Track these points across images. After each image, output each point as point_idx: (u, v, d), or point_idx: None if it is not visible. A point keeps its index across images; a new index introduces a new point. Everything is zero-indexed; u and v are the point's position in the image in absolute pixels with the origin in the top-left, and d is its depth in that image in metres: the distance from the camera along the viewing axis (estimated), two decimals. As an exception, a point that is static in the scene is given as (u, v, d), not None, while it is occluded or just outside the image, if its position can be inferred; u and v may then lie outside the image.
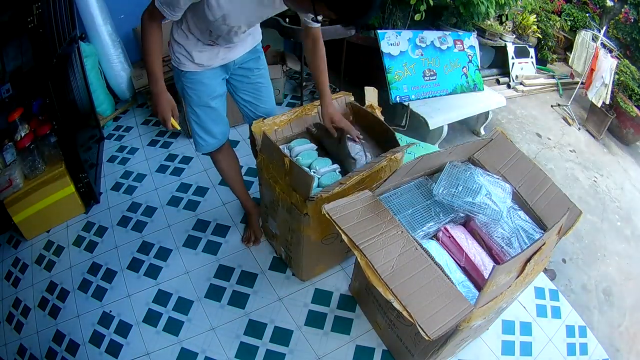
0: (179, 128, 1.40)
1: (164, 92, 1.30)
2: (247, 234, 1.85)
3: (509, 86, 3.78)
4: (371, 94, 1.79)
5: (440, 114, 2.43)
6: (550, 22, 4.52)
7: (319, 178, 1.47)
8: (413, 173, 1.39)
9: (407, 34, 2.45)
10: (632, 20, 4.80)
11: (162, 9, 1.12)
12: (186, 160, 2.34)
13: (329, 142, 1.60)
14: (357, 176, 1.34)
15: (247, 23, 1.26)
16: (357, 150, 1.49)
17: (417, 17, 2.56)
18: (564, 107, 3.80)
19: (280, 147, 1.49)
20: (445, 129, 2.50)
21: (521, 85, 3.81)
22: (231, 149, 1.68)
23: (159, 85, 1.28)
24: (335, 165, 1.53)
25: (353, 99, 1.71)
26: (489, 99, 2.72)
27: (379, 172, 1.42)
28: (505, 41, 3.64)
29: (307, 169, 1.44)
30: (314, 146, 1.62)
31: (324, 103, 1.50)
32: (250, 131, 1.56)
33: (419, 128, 2.46)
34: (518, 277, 1.08)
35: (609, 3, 5.12)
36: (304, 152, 1.57)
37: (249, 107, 1.60)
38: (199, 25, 1.25)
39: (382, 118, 1.62)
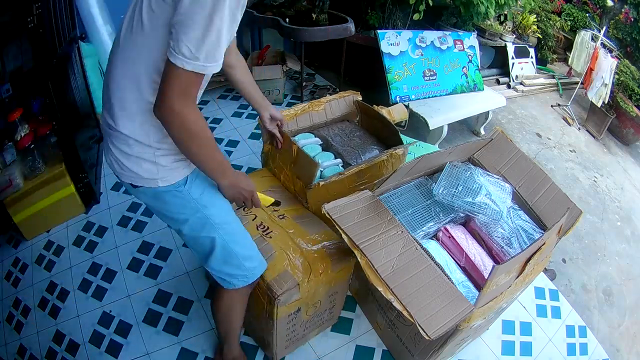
0: (273, 200, 1.09)
1: (236, 170, 0.95)
2: None
3: (509, 86, 3.78)
4: (399, 110, 1.79)
5: (440, 114, 2.43)
6: (550, 22, 4.52)
7: (321, 171, 1.48)
8: (413, 173, 1.39)
9: (407, 34, 2.45)
10: (632, 20, 4.80)
11: (205, 65, 0.72)
12: (186, 160, 2.34)
13: (338, 140, 1.62)
14: (356, 167, 1.35)
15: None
16: None
17: (415, 16, 2.57)
18: (564, 107, 3.80)
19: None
20: (445, 129, 2.50)
21: (521, 85, 3.81)
22: None
23: (230, 170, 0.92)
24: (338, 160, 1.54)
25: (361, 98, 1.74)
26: (489, 99, 2.72)
27: (379, 167, 1.42)
28: (505, 41, 3.64)
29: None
30: (318, 140, 1.63)
31: (261, 104, 1.28)
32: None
33: (419, 128, 2.46)
34: (518, 277, 1.08)
35: (609, 3, 5.12)
36: (307, 145, 1.59)
37: None
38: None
39: (388, 117, 1.63)
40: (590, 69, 3.63)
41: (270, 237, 1.24)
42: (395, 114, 1.75)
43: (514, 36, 3.86)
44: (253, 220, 1.31)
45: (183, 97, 0.74)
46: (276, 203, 1.10)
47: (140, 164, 0.87)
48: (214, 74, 0.79)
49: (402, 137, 1.58)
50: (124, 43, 0.81)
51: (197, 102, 0.80)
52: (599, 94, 3.56)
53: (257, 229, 1.27)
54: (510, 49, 3.68)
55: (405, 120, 2.52)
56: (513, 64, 3.73)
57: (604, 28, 4.21)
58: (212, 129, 2.58)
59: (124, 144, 0.86)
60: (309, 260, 1.19)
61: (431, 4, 2.52)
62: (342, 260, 1.22)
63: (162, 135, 0.84)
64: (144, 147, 0.85)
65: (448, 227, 1.33)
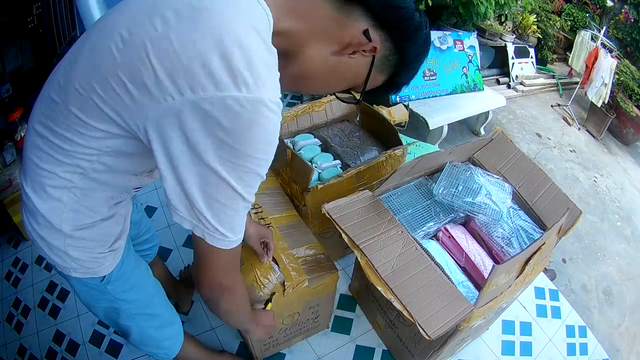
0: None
1: (255, 310, 0.96)
2: None
3: (509, 86, 3.78)
4: (399, 110, 1.79)
5: (440, 114, 2.43)
6: (550, 22, 4.52)
7: (319, 172, 1.48)
8: (413, 173, 1.39)
9: (407, 34, 2.45)
10: (632, 20, 4.80)
11: (235, 239, 0.59)
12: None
13: (337, 141, 1.62)
14: (355, 169, 1.35)
15: None
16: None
17: (415, 16, 2.57)
18: (564, 107, 3.80)
19: (285, 140, 1.51)
20: (445, 129, 2.50)
21: (521, 85, 3.81)
22: None
23: (255, 314, 0.92)
24: (337, 161, 1.54)
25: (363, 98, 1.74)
26: (489, 99, 2.72)
27: (378, 168, 1.42)
28: (505, 41, 3.64)
29: (309, 163, 1.46)
30: (317, 141, 1.63)
31: (250, 235, 1.08)
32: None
33: (419, 128, 2.46)
34: (518, 277, 1.08)
35: (609, 3, 5.13)
36: (306, 146, 1.59)
37: (147, 251, 1.24)
38: (125, 178, 0.68)
39: (388, 118, 1.63)
40: (588, 67, 3.63)
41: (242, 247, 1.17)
42: (395, 114, 1.75)
43: (514, 36, 3.86)
44: None
45: (229, 275, 0.66)
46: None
47: (50, 247, 0.69)
48: None
49: (402, 137, 1.58)
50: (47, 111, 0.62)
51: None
52: (599, 94, 3.56)
53: None
54: (510, 49, 3.68)
55: (406, 121, 2.52)
56: (513, 64, 3.73)
57: (604, 28, 4.21)
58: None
59: (33, 219, 0.67)
60: (284, 275, 1.13)
61: (431, 4, 2.52)
62: (322, 277, 1.16)
63: (78, 223, 0.67)
64: (54, 231, 0.67)
65: (448, 227, 1.33)
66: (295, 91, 0.74)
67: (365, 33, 0.60)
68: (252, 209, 1.30)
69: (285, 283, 1.11)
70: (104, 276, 0.78)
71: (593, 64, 3.58)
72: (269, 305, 1.06)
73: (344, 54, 0.61)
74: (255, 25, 0.50)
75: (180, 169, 0.51)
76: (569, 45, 4.58)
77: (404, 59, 0.66)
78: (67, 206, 0.64)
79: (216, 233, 0.56)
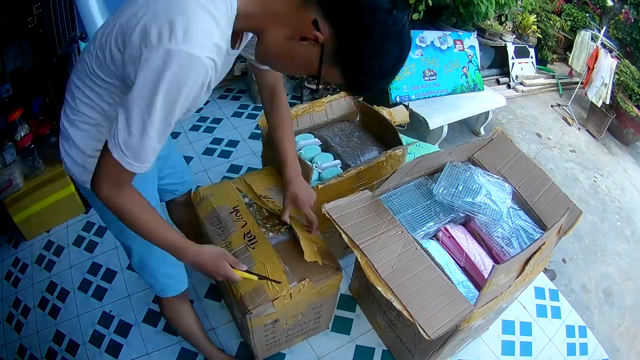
0: (255, 277, 1.00)
1: (200, 249, 0.90)
2: None
3: (509, 86, 3.78)
4: (400, 112, 1.78)
5: (440, 114, 2.43)
6: (550, 22, 4.52)
7: (320, 172, 1.47)
8: (413, 173, 1.39)
9: (407, 34, 2.44)
10: (632, 20, 4.80)
11: (131, 163, 0.69)
12: (186, 160, 2.34)
13: (337, 141, 1.62)
14: (355, 169, 1.35)
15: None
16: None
17: (415, 16, 2.56)
18: (564, 107, 3.80)
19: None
20: (445, 129, 2.49)
21: (521, 85, 3.81)
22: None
23: (189, 250, 0.88)
24: (337, 161, 1.54)
25: (362, 98, 1.73)
26: (489, 99, 2.72)
27: (378, 168, 1.42)
28: (505, 41, 3.64)
29: (309, 162, 1.45)
30: (317, 141, 1.63)
31: (291, 179, 1.11)
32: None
33: (419, 128, 2.46)
34: (518, 277, 1.08)
35: (609, 3, 5.12)
36: (307, 146, 1.59)
37: (170, 186, 1.28)
38: None
39: (389, 118, 1.63)
40: (589, 68, 3.63)
41: (254, 248, 1.16)
42: (396, 115, 1.75)
43: (514, 36, 3.86)
44: (242, 227, 1.23)
45: (110, 185, 0.73)
46: (261, 277, 1.02)
47: (74, 162, 0.88)
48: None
49: (402, 137, 1.58)
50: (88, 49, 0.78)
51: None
52: (599, 94, 3.56)
53: (244, 238, 1.19)
54: (510, 49, 3.68)
55: (406, 122, 2.53)
56: (513, 64, 3.73)
57: (604, 28, 4.21)
58: (212, 129, 2.58)
59: (65, 142, 0.87)
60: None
61: (431, 4, 2.52)
62: (327, 278, 1.17)
63: (97, 148, 0.80)
64: (80, 152, 0.85)
65: (448, 227, 1.33)
66: (269, 66, 0.85)
67: (315, 23, 0.66)
68: (265, 198, 1.31)
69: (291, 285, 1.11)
70: None
71: (594, 64, 3.58)
72: (252, 277, 0.99)
73: (295, 39, 0.69)
74: (204, 5, 0.63)
75: (128, 95, 0.65)
76: (569, 45, 4.58)
77: (357, 59, 0.68)
78: (91, 136, 0.83)
79: (113, 138, 0.68)
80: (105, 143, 0.70)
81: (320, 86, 0.75)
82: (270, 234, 1.23)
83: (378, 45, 0.67)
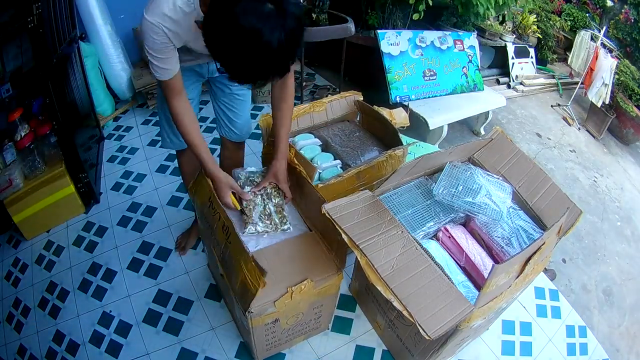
0: (239, 208, 1.26)
1: (217, 173, 1.22)
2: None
3: (509, 86, 3.78)
4: (400, 114, 1.78)
5: (440, 114, 2.43)
6: (550, 22, 4.52)
7: (320, 172, 1.47)
8: (413, 173, 1.39)
9: (407, 34, 2.44)
10: (632, 20, 4.80)
11: (158, 75, 1.11)
12: (186, 160, 2.34)
13: (337, 141, 1.62)
14: (355, 169, 1.35)
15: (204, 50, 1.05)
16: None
17: (415, 16, 2.57)
18: (564, 107, 3.80)
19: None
20: (445, 129, 2.50)
21: (521, 85, 3.81)
22: None
23: (208, 167, 1.23)
24: (337, 161, 1.54)
25: (362, 98, 1.73)
26: (489, 99, 2.72)
27: (378, 168, 1.42)
28: (505, 41, 3.64)
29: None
30: (317, 141, 1.63)
31: (277, 158, 1.30)
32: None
33: (419, 128, 2.46)
34: (518, 277, 1.08)
35: (609, 3, 5.13)
36: (307, 146, 1.59)
37: (222, 118, 1.53)
38: None
39: (389, 119, 1.63)
40: (591, 69, 3.63)
41: (230, 243, 1.14)
42: (396, 117, 1.75)
43: (514, 36, 3.86)
44: (218, 220, 1.22)
45: (166, 93, 1.15)
46: (242, 212, 1.26)
47: None
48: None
49: (402, 137, 1.58)
50: None
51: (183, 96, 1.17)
52: (599, 94, 3.56)
53: (223, 232, 1.18)
54: (510, 49, 3.68)
55: (406, 125, 2.53)
56: (513, 64, 3.73)
57: (604, 28, 4.21)
58: (212, 129, 2.59)
59: None
60: None
61: (431, 4, 2.52)
62: (328, 278, 1.17)
63: None
64: None
65: (448, 227, 1.33)
66: None
67: None
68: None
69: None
70: None
71: (595, 66, 3.58)
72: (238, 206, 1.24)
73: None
74: None
75: None
76: (569, 45, 4.58)
77: (212, 36, 0.89)
78: None
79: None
80: None
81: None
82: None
83: (220, 24, 0.85)
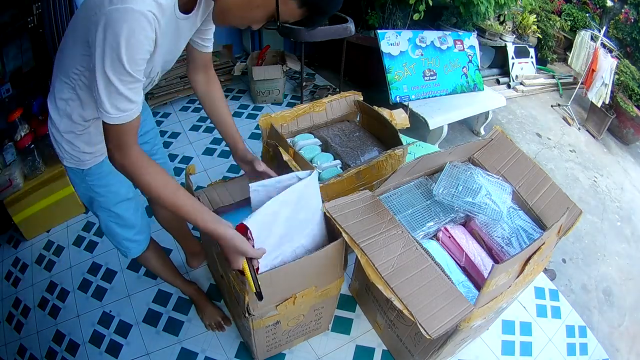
0: (253, 289, 0.93)
1: (222, 230, 0.87)
2: (209, 321, 1.53)
3: (509, 86, 3.78)
4: (400, 115, 1.78)
5: (440, 114, 2.43)
6: (550, 22, 4.52)
7: (320, 173, 1.47)
8: (413, 173, 1.39)
9: (407, 34, 2.45)
10: (632, 20, 4.81)
11: (119, 116, 0.76)
12: (186, 160, 2.34)
13: (337, 141, 1.62)
14: (355, 169, 1.35)
15: (164, 67, 0.94)
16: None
17: (415, 16, 2.57)
18: (564, 107, 3.80)
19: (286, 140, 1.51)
20: (445, 129, 2.50)
21: (521, 85, 3.81)
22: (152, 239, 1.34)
23: (208, 226, 0.87)
24: (337, 161, 1.54)
25: (362, 98, 1.73)
26: (489, 99, 2.72)
27: (378, 168, 1.42)
28: (505, 41, 3.65)
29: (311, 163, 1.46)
30: (317, 141, 1.63)
31: (240, 149, 1.17)
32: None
33: (419, 128, 2.46)
34: (518, 277, 1.08)
35: (609, 3, 5.13)
36: (307, 146, 1.59)
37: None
38: None
39: (389, 119, 1.63)
40: (592, 70, 3.63)
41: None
42: (397, 117, 1.75)
43: (514, 36, 3.86)
44: None
45: (119, 149, 0.80)
46: (258, 295, 0.94)
47: (55, 140, 1.01)
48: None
49: (402, 137, 1.58)
50: (61, 44, 0.91)
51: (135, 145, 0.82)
52: (599, 94, 3.56)
53: None
54: (510, 49, 3.68)
55: (406, 126, 2.53)
56: (513, 64, 3.73)
57: (604, 28, 4.21)
58: (212, 129, 2.58)
59: (49, 120, 1.00)
60: None
61: (431, 4, 2.52)
62: (330, 280, 1.17)
63: (68, 128, 0.97)
64: (57, 130, 0.99)
65: (448, 227, 1.33)
66: (228, 25, 0.85)
67: None
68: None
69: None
70: (83, 169, 1.03)
71: (596, 67, 3.58)
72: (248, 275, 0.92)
73: None
74: None
75: (94, 62, 0.72)
76: (569, 45, 4.58)
77: None
78: (65, 114, 0.95)
79: (100, 110, 0.76)
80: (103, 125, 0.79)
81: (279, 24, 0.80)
82: None
83: None
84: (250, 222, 0.92)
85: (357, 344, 1.50)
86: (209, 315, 1.53)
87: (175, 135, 2.52)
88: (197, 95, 1.16)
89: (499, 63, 3.80)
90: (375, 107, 1.67)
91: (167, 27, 0.78)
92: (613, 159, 3.46)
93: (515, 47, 3.73)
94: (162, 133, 2.53)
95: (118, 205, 1.12)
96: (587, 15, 4.98)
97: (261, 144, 1.62)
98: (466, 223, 1.40)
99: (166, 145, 2.45)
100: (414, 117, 2.45)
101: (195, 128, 2.59)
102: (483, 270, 1.22)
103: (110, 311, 1.60)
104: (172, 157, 2.35)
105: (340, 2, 0.81)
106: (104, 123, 0.78)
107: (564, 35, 4.75)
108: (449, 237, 1.31)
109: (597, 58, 3.59)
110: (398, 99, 2.41)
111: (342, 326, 1.55)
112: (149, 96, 2.65)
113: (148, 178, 0.82)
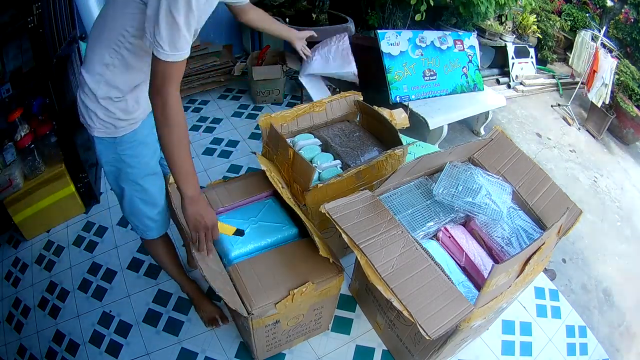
0: (234, 228, 1.12)
1: (204, 198, 1.03)
2: (207, 317, 1.54)
3: (509, 86, 3.78)
4: (400, 115, 1.78)
5: (440, 114, 2.43)
6: (550, 22, 4.52)
7: (320, 173, 1.47)
8: (413, 173, 1.39)
9: (407, 34, 2.45)
10: (632, 20, 4.80)
11: (174, 54, 0.83)
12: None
13: (337, 141, 1.62)
14: (355, 169, 1.35)
15: (200, 24, 0.95)
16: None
17: (417, 17, 2.57)
18: (564, 107, 3.80)
19: (286, 140, 1.51)
20: (445, 129, 2.50)
21: (521, 85, 3.81)
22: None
23: (198, 188, 0.99)
24: (337, 161, 1.54)
25: (362, 98, 1.74)
26: (489, 99, 2.72)
27: (378, 168, 1.42)
28: (505, 41, 3.65)
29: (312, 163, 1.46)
30: (317, 141, 1.63)
31: (288, 30, 1.58)
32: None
33: (419, 128, 2.46)
34: (518, 277, 1.08)
35: (609, 3, 5.12)
36: (307, 146, 1.59)
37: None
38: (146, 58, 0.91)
39: (389, 119, 1.63)
40: (594, 71, 3.62)
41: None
42: (396, 117, 1.75)
43: (514, 36, 3.87)
44: None
45: (166, 84, 0.86)
46: (239, 232, 1.13)
47: (86, 109, 1.02)
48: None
49: (402, 137, 1.58)
50: (103, 12, 0.96)
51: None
52: (599, 94, 3.56)
53: None
54: (510, 49, 3.68)
55: (405, 126, 2.53)
56: (513, 64, 3.73)
57: (604, 28, 4.21)
58: (212, 129, 2.59)
59: (82, 90, 1.01)
60: None
61: (432, 4, 2.53)
62: (329, 280, 1.17)
63: (105, 94, 0.99)
64: (92, 97, 0.99)
65: (448, 227, 1.33)
66: None
67: None
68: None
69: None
70: (115, 138, 1.05)
71: (597, 67, 3.58)
72: (232, 229, 1.11)
73: None
74: None
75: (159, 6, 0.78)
76: (569, 45, 4.58)
77: None
78: (104, 81, 0.96)
79: (155, 46, 0.82)
80: (152, 58, 0.84)
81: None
82: None
83: None
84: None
85: (357, 344, 1.50)
86: (206, 312, 1.54)
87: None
88: (255, 28, 1.48)
89: (499, 63, 3.80)
90: (375, 107, 1.67)
91: None
92: (613, 159, 3.46)
93: (515, 47, 3.73)
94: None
95: (146, 178, 1.13)
96: (587, 15, 4.98)
97: (261, 144, 1.62)
98: (466, 223, 1.40)
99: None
100: (414, 117, 2.45)
101: (195, 128, 2.59)
102: (483, 270, 1.22)
103: (110, 311, 1.60)
104: (172, 157, 2.35)
105: None
106: (155, 60, 0.84)
107: (564, 36, 4.75)
108: (449, 237, 1.31)
109: (598, 59, 3.59)
110: (398, 99, 2.41)
111: (342, 326, 1.55)
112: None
113: (179, 119, 0.89)
